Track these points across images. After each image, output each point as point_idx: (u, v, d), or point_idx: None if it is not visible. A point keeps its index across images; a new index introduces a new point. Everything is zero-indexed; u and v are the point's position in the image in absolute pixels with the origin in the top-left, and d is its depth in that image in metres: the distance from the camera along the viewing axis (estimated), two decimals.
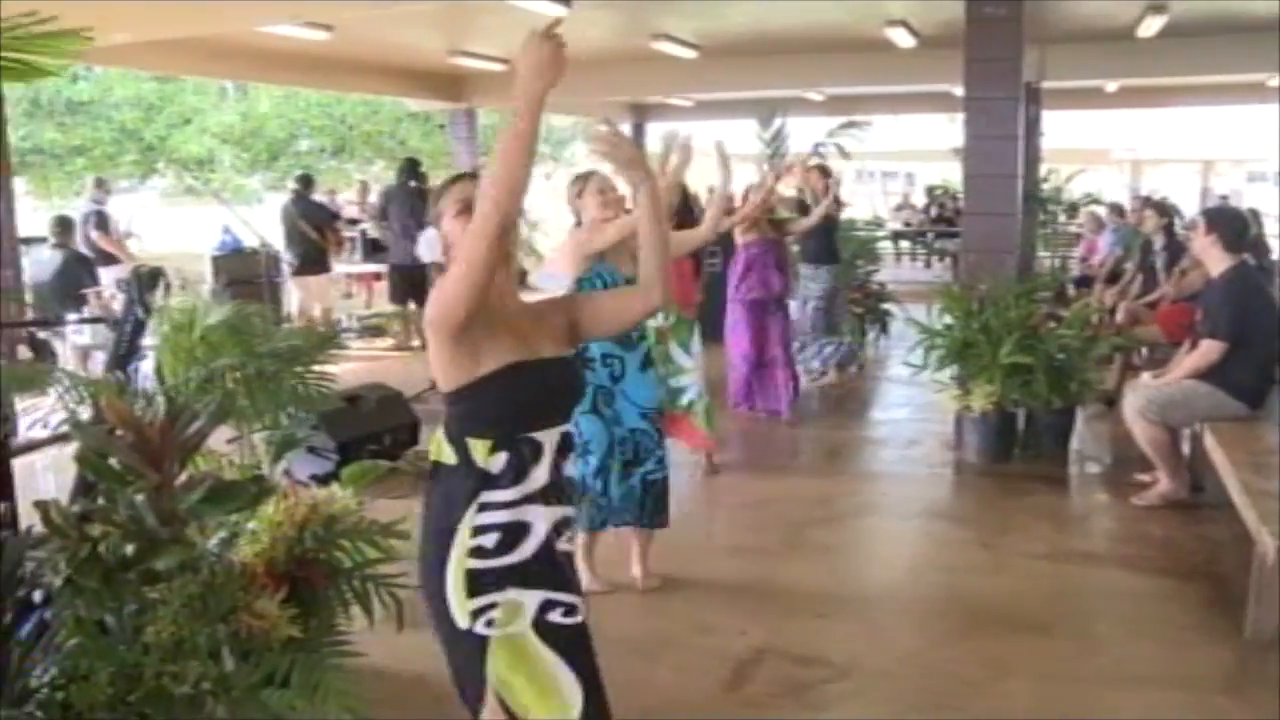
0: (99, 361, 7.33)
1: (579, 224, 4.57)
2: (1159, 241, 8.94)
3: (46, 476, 5.18)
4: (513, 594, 2.29)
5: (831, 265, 8.98)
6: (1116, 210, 13.06)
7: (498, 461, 2.28)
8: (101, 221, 10.46)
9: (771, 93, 13.24)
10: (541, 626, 2.31)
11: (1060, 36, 10.50)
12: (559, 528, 2.37)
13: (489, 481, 2.29)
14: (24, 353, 7.54)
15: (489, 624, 2.27)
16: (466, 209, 2.32)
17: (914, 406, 8.05)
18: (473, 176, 2.45)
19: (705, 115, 19.19)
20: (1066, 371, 6.53)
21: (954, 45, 7.15)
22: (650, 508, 4.61)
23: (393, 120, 19.17)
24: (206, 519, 2.90)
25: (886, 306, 10.75)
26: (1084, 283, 10.87)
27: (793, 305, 8.65)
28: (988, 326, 6.47)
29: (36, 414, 3.96)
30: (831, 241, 8.97)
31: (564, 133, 23.58)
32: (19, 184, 10.55)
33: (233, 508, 2.93)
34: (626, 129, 20.14)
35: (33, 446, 4.29)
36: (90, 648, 2.58)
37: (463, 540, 2.28)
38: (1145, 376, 5.96)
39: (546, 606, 2.32)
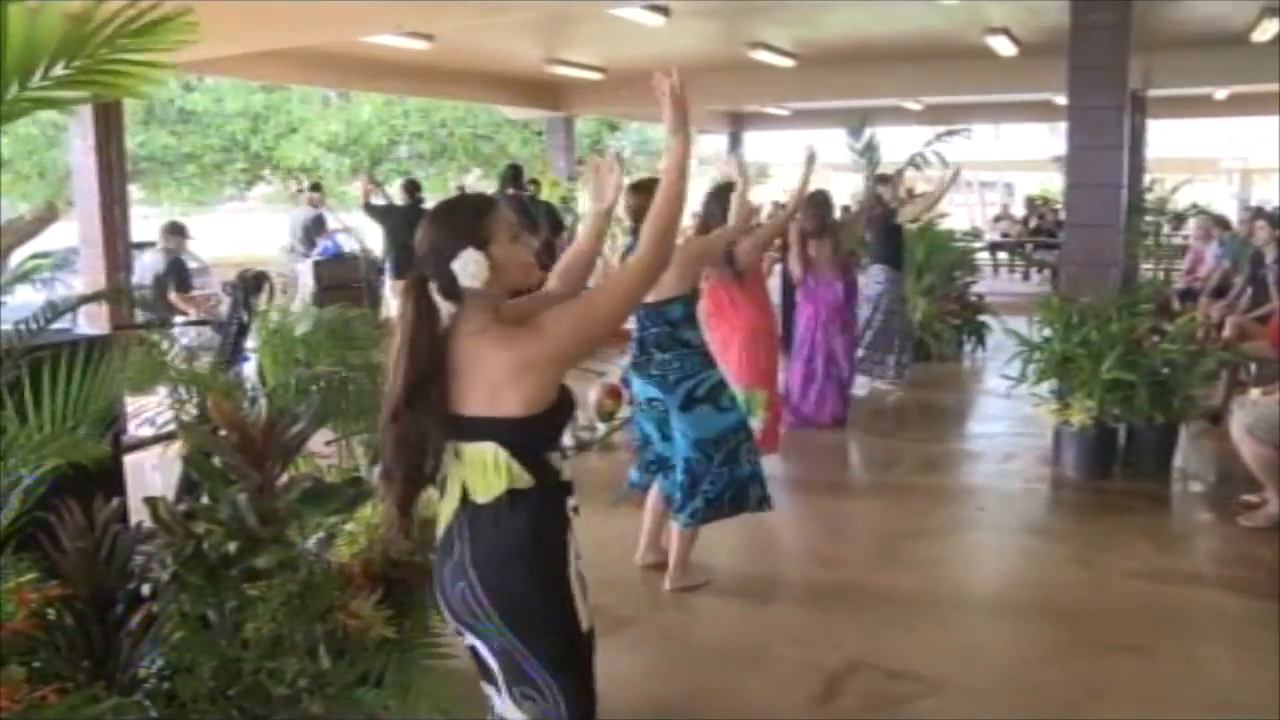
0: (201, 364, 7.47)
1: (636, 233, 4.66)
2: (1271, 254, 8.66)
3: (154, 474, 5.34)
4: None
5: (883, 266, 8.91)
6: (1221, 223, 12.67)
7: (567, 468, 2.39)
8: (322, 228, 11.40)
9: (869, 102, 13.14)
10: None
11: (1168, 42, 10.24)
12: None
13: (568, 489, 2.39)
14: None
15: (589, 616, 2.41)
16: (516, 234, 2.36)
17: (1011, 420, 7.90)
18: (497, 200, 2.48)
19: (802, 124, 19.10)
20: (1170, 387, 6.36)
21: (1056, 52, 7.02)
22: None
23: (491, 127, 19.39)
24: (305, 519, 2.97)
25: (983, 318, 10.60)
26: (1188, 296, 10.58)
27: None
28: (1088, 340, 6.33)
29: (144, 413, 4.07)
30: (888, 242, 8.90)
31: (660, 143, 23.65)
32: (133, 190, 10.97)
33: (331, 509, 3.00)
34: (724, 138, 20.13)
35: (142, 444, 4.42)
36: (194, 642, 2.66)
37: (574, 550, 2.38)
38: (1254, 393, 5.78)
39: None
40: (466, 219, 2.33)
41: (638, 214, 4.62)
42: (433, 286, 2.26)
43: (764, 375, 6.22)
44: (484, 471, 2.29)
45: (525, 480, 2.30)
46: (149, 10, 2.17)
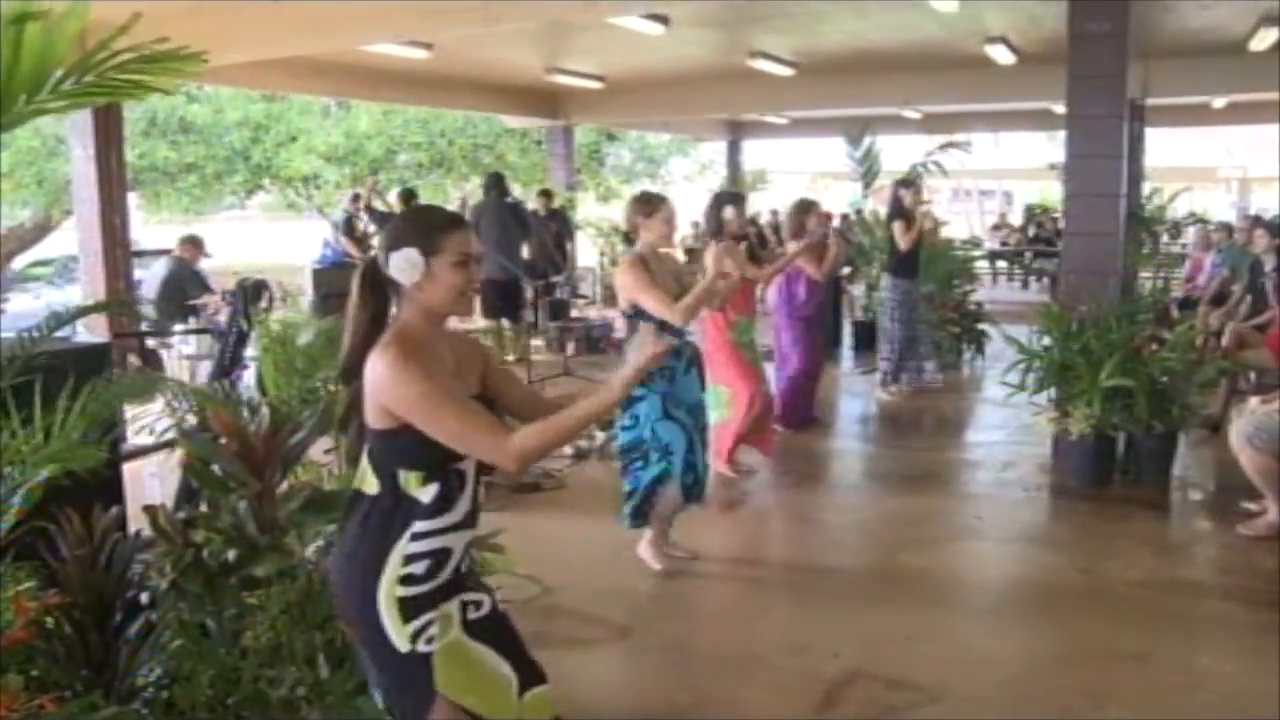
0: (204, 371, 7.54)
1: (629, 242, 4.82)
2: (1270, 262, 8.67)
3: (153, 482, 5.34)
4: (442, 607, 2.38)
5: (900, 280, 8.99)
6: (1225, 229, 12.69)
7: (428, 492, 2.35)
8: (350, 229, 11.81)
9: (868, 110, 13.17)
10: (467, 626, 2.41)
11: (1166, 51, 10.27)
12: (468, 547, 2.48)
13: (419, 511, 2.35)
14: (134, 362, 7.78)
15: (429, 641, 2.35)
16: (464, 261, 2.37)
17: (1010, 428, 7.90)
18: (468, 226, 2.48)
19: (800, 133, 19.16)
20: (1169, 395, 6.36)
21: (1055, 61, 7.04)
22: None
23: (490, 136, 19.40)
24: (305, 528, 2.97)
25: (983, 326, 10.61)
26: (1188, 304, 10.60)
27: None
28: (1088, 348, 6.33)
29: (143, 421, 4.08)
30: (895, 253, 8.96)
31: (660, 150, 23.62)
32: (131, 199, 11.08)
33: (330, 517, 2.99)
34: (723, 146, 20.16)
35: (141, 452, 4.41)
36: (192, 650, 2.65)
37: (393, 569, 2.34)
38: (1253, 401, 5.77)
39: (464, 607, 2.42)
40: (427, 223, 2.41)
41: (633, 227, 4.70)
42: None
43: (724, 376, 6.28)
44: (363, 465, 2.42)
45: (371, 485, 2.38)
46: (165, 53, 2.19)
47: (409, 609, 2.33)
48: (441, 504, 2.36)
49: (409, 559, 2.33)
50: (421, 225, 2.41)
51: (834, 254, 8.02)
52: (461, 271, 2.36)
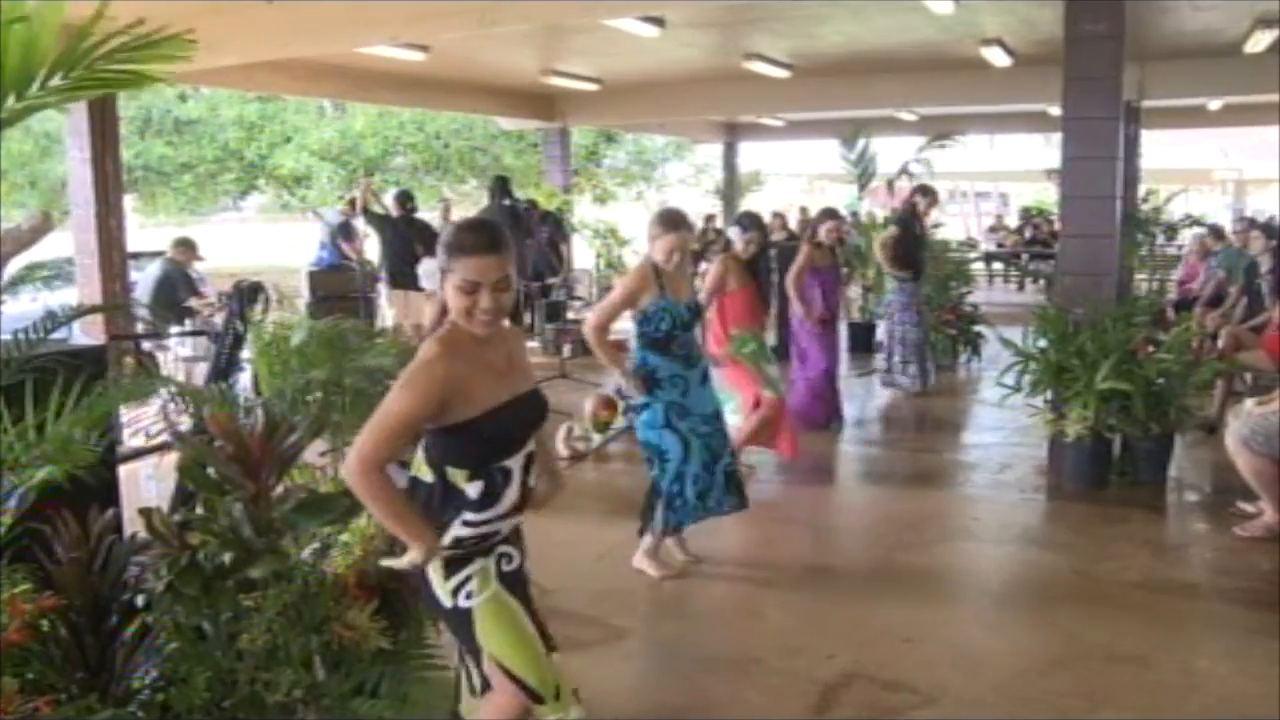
0: (200, 373, 7.54)
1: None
2: (1265, 264, 8.69)
3: (149, 485, 5.33)
4: (479, 562, 2.60)
5: (907, 282, 9.09)
6: (1215, 233, 12.71)
7: (475, 487, 2.54)
8: (349, 233, 12.12)
9: (864, 112, 13.18)
10: (501, 579, 2.63)
11: (1162, 53, 10.29)
12: (517, 528, 2.72)
13: (468, 503, 2.54)
14: (130, 363, 7.77)
15: (468, 596, 2.58)
16: (466, 288, 2.46)
17: (1007, 430, 7.91)
18: (499, 250, 2.52)
19: (797, 135, 19.16)
20: (1165, 397, 6.37)
21: (1051, 63, 7.04)
22: (736, 494, 5.07)
23: (486, 138, 19.40)
24: (301, 530, 2.96)
25: (979, 328, 10.62)
26: (1184, 306, 10.61)
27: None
28: (1084, 350, 6.34)
29: (140, 423, 4.08)
30: (907, 253, 9.00)
31: (656, 154, 23.62)
32: (127, 200, 11.13)
33: (326, 519, 2.99)
34: (719, 149, 20.17)
35: (137, 454, 4.41)
36: (188, 653, 2.65)
37: (445, 537, 2.55)
38: (1249, 403, 5.77)
39: (499, 559, 2.65)
40: (452, 241, 2.52)
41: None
42: None
43: (729, 385, 6.34)
44: (419, 455, 2.63)
45: (426, 474, 2.59)
46: (149, 34, 2.19)
47: (451, 567, 2.56)
48: (486, 499, 2.54)
49: (457, 541, 2.55)
50: (449, 240, 2.52)
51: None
52: (463, 296, 2.46)
